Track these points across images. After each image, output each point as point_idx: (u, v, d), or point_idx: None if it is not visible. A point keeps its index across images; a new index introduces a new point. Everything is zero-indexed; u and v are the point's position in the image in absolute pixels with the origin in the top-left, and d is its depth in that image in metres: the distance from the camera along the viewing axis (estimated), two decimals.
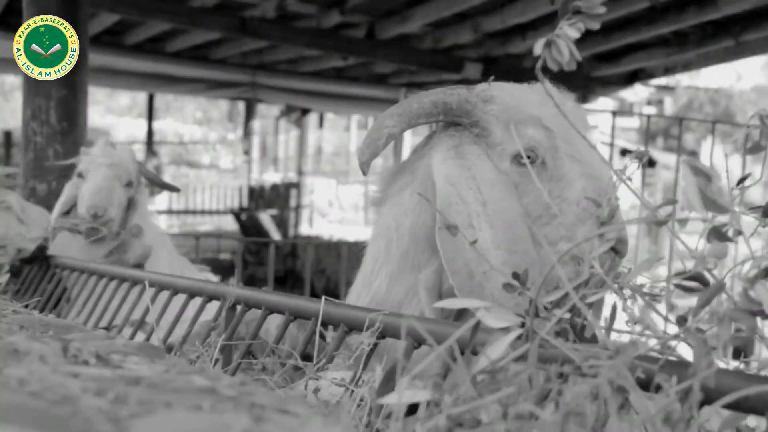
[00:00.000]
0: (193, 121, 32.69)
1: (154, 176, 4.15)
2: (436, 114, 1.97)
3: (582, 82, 9.95)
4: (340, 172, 23.75)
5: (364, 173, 1.97)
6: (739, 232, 1.11)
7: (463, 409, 0.92)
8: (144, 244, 3.83)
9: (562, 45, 1.18)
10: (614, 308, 1.15)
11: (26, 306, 2.50)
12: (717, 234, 1.09)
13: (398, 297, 2.00)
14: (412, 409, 1.03)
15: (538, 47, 1.19)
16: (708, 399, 0.97)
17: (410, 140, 11.43)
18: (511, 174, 1.93)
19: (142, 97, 23.53)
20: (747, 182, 1.28)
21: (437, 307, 1.86)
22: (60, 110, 4.87)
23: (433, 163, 1.98)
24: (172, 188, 4.46)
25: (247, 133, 17.77)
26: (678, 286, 1.09)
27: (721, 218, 1.10)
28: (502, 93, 1.97)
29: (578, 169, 1.88)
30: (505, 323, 1.09)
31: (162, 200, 18.15)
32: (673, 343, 1.05)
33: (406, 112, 1.95)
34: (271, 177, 19.30)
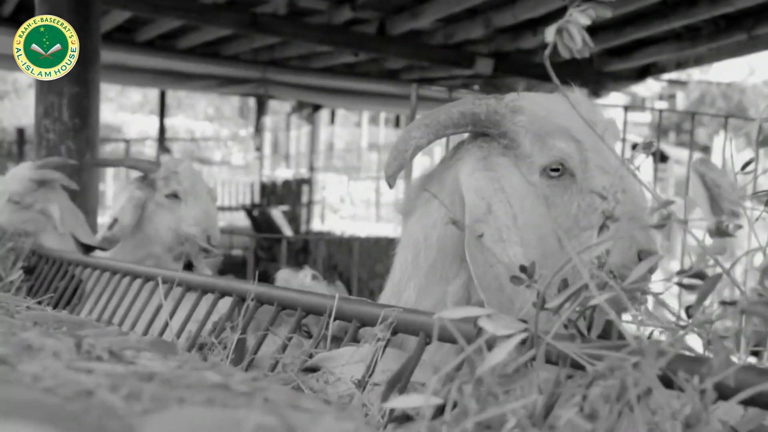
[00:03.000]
0: (204, 117, 32.73)
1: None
2: (465, 125, 1.95)
3: (593, 77, 9.91)
4: (352, 168, 23.75)
5: (390, 186, 1.96)
6: (739, 227, 1.10)
7: (490, 415, 0.92)
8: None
9: (575, 31, 1.16)
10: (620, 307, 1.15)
11: (40, 302, 2.51)
12: (718, 230, 1.08)
13: (427, 309, 1.98)
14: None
15: (550, 34, 1.18)
16: (724, 395, 0.97)
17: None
18: (540, 186, 1.90)
19: (153, 93, 23.56)
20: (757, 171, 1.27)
21: None
22: (72, 107, 4.89)
23: (461, 174, 1.95)
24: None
25: (259, 130, 17.78)
26: (680, 284, 1.08)
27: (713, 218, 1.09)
28: (531, 103, 1.95)
29: (609, 182, 1.83)
30: (508, 331, 1.08)
31: None
32: (683, 333, 1.05)
33: (433, 123, 1.93)
34: (283, 173, 19.32)
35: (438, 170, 2.09)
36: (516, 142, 1.93)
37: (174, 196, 3.99)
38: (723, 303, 1.02)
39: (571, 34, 1.16)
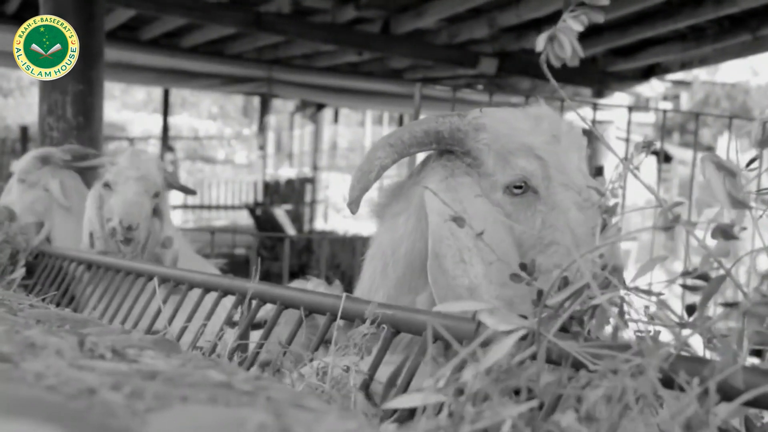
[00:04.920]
0: (208, 116, 32.74)
1: (176, 183, 4.17)
2: (429, 143, 1.95)
3: (597, 77, 9.90)
4: (355, 168, 23.73)
5: (353, 212, 1.98)
6: (743, 228, 1.09)
7: (490, 423, 0.92)
8: (174, 250, 3.87)
9: (564, 40, 1.16)
10: (621, 308, 1.14)
11: (43, 300, 2.51)
12: (722, 233, 1.08)
13: None
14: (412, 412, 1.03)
15: (540, 42, 1.18)
16: (727, 396, 0.97)
17: None
18: (504, 204, 1.91)
19: (157, 92, 23.62)
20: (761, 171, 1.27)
21: None
22: (76, 105, 4.89)
23: (426, 195, 1.95)
24: (190, 191, 4.50)
25: (262, 129, 17.78)
26: (684, 286, 1.08)
27: (728, 216, 1.09)
28: (493, 121, 1.94)
29: (572, 198, 1.85)
30: (510, 326, 1.07)
31: (177, 196, 18.18)
32: (686, 334, 1.04)
33: (397, 143, 1.94)
34: (286, 172, 19.32)
35: (407, 184, 2.09)
36: (479, 160, 1.94)
37: (107, 186, 3.90)
38: (725, 305, 1.02)
39: (562, 43, 1.16)
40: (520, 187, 1.89)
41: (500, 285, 1.79)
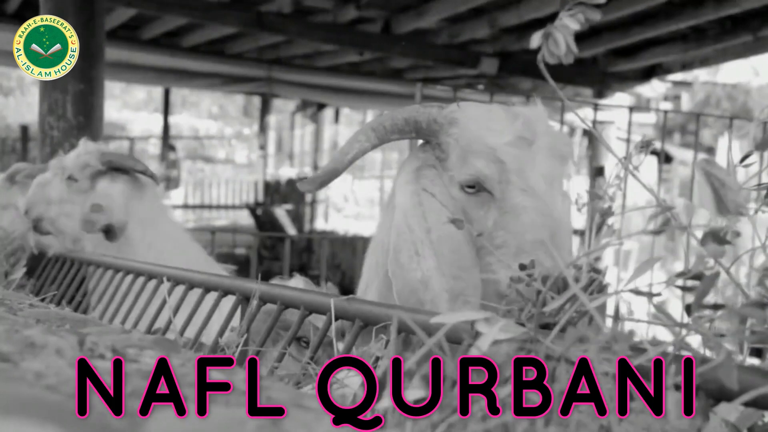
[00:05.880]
0: (208, 115, 32.74)
1: (124, 164, 3.77)
2: (408, 131, 1.99)
3: (598, 78, 9.90)
4: (356, 167, 23.69)
5: (305, 189, 2.01)
6: (737, 234, 1.09)
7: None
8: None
9: (559, 37, 1.16)
10: (617, 309, 1.14)
11: (43, 300, 2.52)
12: (714, 237, 1.08)
13: None
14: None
15: (536, 40, 1.18)
16: (726, 396, 0.97)
17: None
18: (460, 200, 1.93)
19: (158, 91, 23.59)
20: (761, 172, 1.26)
21: None
22: (76, 105, 4.89)
23: (397, 186, 2.00)
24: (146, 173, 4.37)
25: (263, 128, 17.78)
26: (680, 287, 1.08)
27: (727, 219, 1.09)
28: (466, 117, 1.95)
29: (527, 203, 1.85)
30: (507, 334, 1.07)
31: (178, 195, 18.21)
32: (683, 333, 1.04)
33: (379, 128, 1.98)
34: (287, 172, 19.31)
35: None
36: (446, 153, 1.96)
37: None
38: (713, 306, 1.01)
39: (557, 41, 1.16)
40: (473, 187, 1.90)
41: (452, 278, 1.81)
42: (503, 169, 1.88)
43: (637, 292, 1.10)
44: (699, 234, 1.10)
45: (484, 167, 1.89)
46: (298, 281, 2.42)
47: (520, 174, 1.88)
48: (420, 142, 2.08)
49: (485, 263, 1.85)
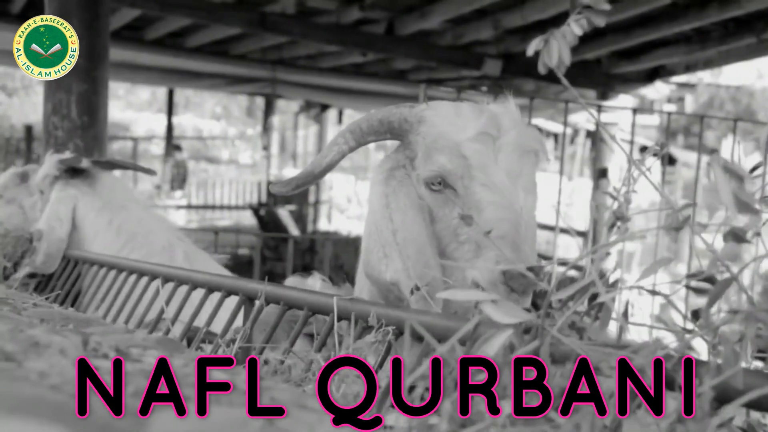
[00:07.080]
0: (212, 116, 32.76)
1: (74, 163, 3.89)
2: (383, 132, 2.01)
3: (602, 79, 9.88)
4: (359, 168, 23.72)
5: (276, 191, 2.02)
6: (757, 234, 1.09)
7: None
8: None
9: (554, 46, 1.16)
10: (627, 306, 1.14)
11: (47, 299, 2.52)
12: (734, 236, 1.07)
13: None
14: None
15: (532, 48, 1.19)
16: (728, 398, 0.97)
17: None
18: (426, 198, 1.95)
19: (162, 92, 23.62)
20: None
21: None
22: (81, 105, 4.89)
23: (369, 187, 2.03)
24: (143, 170, 4.52)
25: (267, 129, 17.79)
26: (690, 287, 1.08)
27: (740, 219, 1.08)
28: (433, 115, 1.97)
29: (489, 198, 1.86)
30: (513, 319, 1.07)
31: (182, 195, 18.21)
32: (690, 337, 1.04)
33: (356, 130, 2.00)
34: (290, 172, 19.32)
35: None
36: (414, 152, 1.98)
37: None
38: (730, 311, 1.01)
39: (550, 51, 1.16)
40: (439, 183, 1.92)
41: (419, 278, 1.82)
42: (466, 164, 1.89)
43: (652, 291, 1.11)
44: (705, 236, 1.10)
45: (446, 162, 1.90)
46: (315, 280, 2.42)
47: (482, 169, 1.89)
48: (397, 143, 2.09)
49: (454, 259, 1.87)
